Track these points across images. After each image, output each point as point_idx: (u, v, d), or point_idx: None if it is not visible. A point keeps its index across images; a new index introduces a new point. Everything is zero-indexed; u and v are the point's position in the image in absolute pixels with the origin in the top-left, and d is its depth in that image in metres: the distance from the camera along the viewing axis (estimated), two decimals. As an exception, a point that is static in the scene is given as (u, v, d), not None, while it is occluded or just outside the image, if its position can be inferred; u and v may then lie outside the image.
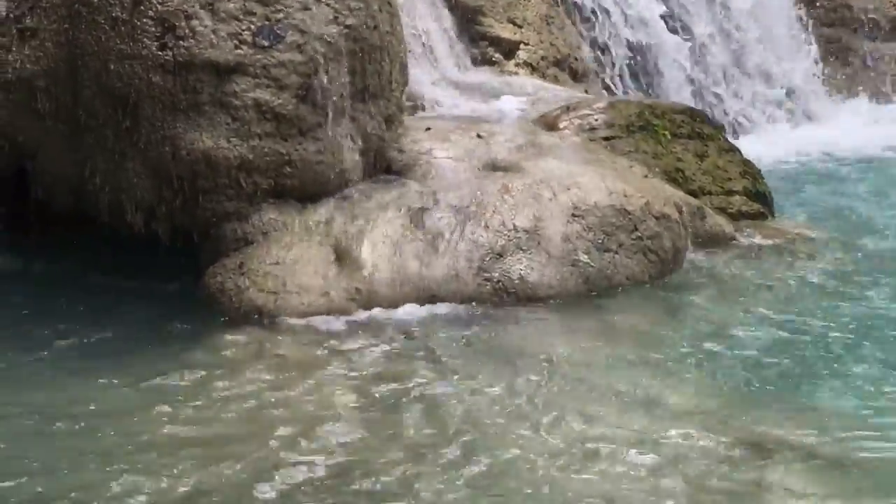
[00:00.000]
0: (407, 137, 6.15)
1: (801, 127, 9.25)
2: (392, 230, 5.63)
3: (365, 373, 4.92)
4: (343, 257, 5.55)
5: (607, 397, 4.66)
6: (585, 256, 5.65)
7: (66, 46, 5.64)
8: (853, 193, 7.80)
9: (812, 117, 9.35)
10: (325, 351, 5.13)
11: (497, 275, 5.54)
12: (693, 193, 6.43)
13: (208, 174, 5.58)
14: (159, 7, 5.49)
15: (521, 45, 8.06)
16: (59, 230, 6.11)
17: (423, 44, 7.58)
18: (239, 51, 5.52)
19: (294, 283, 5.47)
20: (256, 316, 5.40)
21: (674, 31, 9.01)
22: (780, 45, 9.62)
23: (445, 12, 8.01)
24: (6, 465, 4.09)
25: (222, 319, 5.42)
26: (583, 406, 4.58)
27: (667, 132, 6.71)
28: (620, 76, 8.60)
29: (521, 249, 5.59)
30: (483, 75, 7.83)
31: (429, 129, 6.31)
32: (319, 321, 5.36)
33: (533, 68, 7.98)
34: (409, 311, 5.45)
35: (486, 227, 5.61)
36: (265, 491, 3.88)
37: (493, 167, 5.97)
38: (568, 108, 6.86)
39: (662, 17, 8.94)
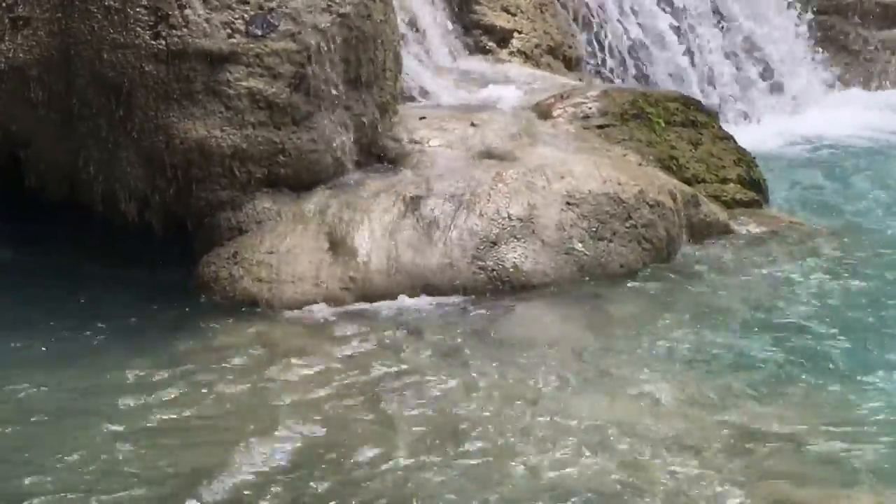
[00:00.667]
0: (401, 126, 6.18)
1: (796, 115, 9.27)
2: (386, 219, 5.64)
3: (356, 361, 4.93)
4: (337, 246, 5.55)
5: (597, 386, 4.68)
6: (580, 245, 5.66)
7: (59, 35, 5.65)
8: (847, 181, 7.82)
9: (806, 105, 9.36)
10: (317, 340, 5.18)
11: (491, 263, 5.55)
12: (687, 181, 6.43)
13: (202, 163, 5.61)
14: None
15: (515, 34, 8.06)
16: (52, 219, 6.08)
17: (417, 32, 7.59)
18: (232, 39, 5.55)
19: (288, 272, 5.50)
20: (250, 305, 5.44)
21: (671, 27, 9.04)
22: (774, 32, 9.64)
23: (439, 0, 8.02)
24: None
25: (216, 308, 5.44)
26: (572, 395, 4.61)
27: (661, 120, 6.73)
28: (614, 64, 8.60)
29: (516, 238, 5.60)
30: (477, 63, 7.82)
31: (423, 117, 6.33)
32: (313, 310, 5.40)
33: (527, 56, 7.98)
34: (404, 300, 5.46)
35: (481, 215, 5.62)
36: (237, 476, 3.90)
37: (488, 155, 6.00)
38: (562, 97, 6.87)
39: (658, 5, 8.98)
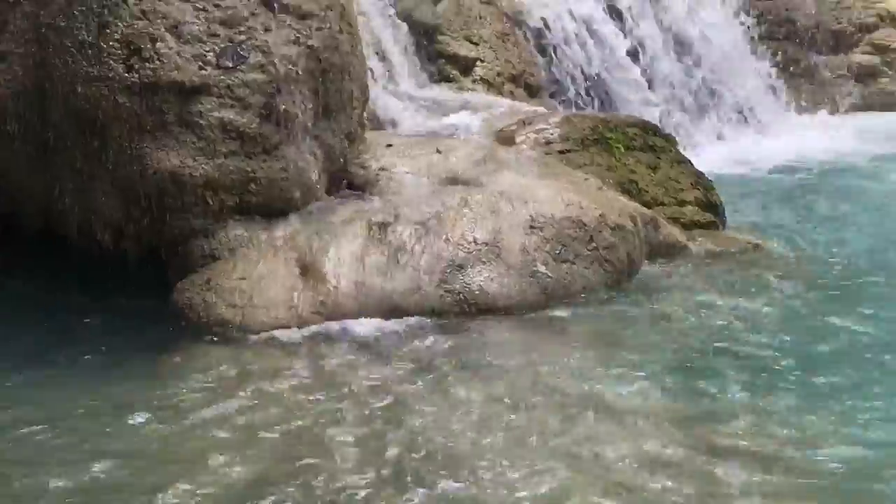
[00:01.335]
0: (368, 153, 6.19)
1: (754, 139, 9.32)
2: (355, 244, 5.63)
3: (324, 380, 4.96)
4: (308, 271, 5.56)
5: (558, 404, 4.67)
6: (543, 267, 5.66)
7: (35, 69, 5.65)
8: (803, 203, 7.88)
9: (764, 130, 9.41)
10: (288, 360, 5.16)
11: (458, 286, 5.53)
12: (647, 204, 6.45)
13: (175, 192, 5.58)
14: (125, 30, 5.52)
15: (478, 62, 8.13)
16: (27, 248, 6.04)
17: (383, 61, 7.60)
18: (203, 71, 5.56)
19: (260, 297, 5.48)
20: (224, 329, 5.41)
21: (631, 52, 9.10)
22: (734, 58, 9.71)
23: (404, 31, 8.03)
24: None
25: (191, 333, 5.41)
26: (532, 413, 4.60)
27: (620, 145, 6.74)
28: (576, 91, 8.62)
29: (482, 262, 5.60)
30: (441, 92, 7.85)
31: (390, 145, 6.35)
32: (285, 333, 5.36)
33: (490, 84, 8.01)
34: (372, 323, 5.43)
35: (447, 240, 5.62)
36: (203, 488, 3.94)
37: (453, 181, 6.01)
38: (524, 123, 6.89)
39: (618, 34, 9.03)
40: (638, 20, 9.33)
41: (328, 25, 5.87)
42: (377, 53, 7.54)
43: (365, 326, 5.41)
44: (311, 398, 4.77)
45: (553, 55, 8.69)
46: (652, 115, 8.45)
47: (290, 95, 5.73)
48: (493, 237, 5.66)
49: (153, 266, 5.71)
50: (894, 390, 4.72)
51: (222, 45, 5.59)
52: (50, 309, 5.73)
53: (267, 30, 5.66)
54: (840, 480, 3.95)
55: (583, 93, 8.70)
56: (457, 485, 4.01)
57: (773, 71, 10.17)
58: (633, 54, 9.16)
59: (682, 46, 9.46)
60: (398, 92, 7.57)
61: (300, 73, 5.76)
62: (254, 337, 5.36)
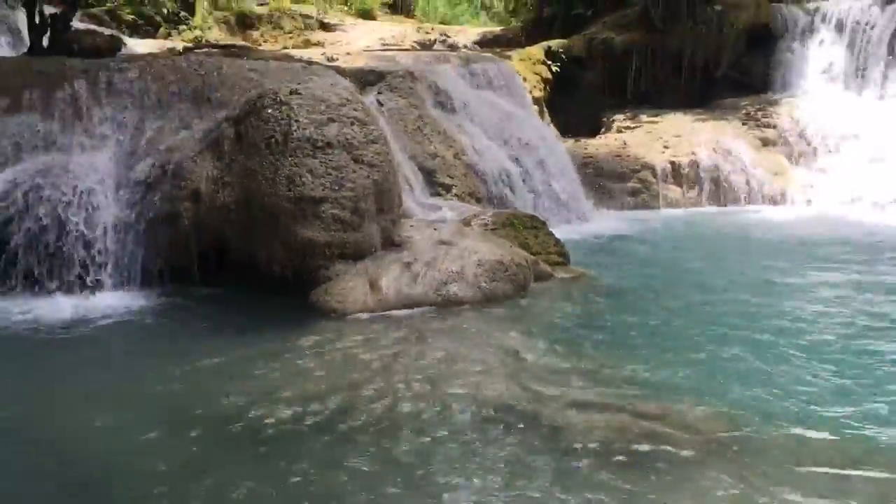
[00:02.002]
0: (401, 229, 6.08)
1: (580, 222, 8.90)
2: (395, 272, 5.59)
3: (381, 335, 4.89)
4: (373, 286, 5.53)
5: (490, 346, 4.50)
6: (484, 283, 5.65)
7: (244, 189, 5.67)
8: (614, 253, 7.58)
9: (583, 217, 9.04)
10: (364, 328, 5.07)
11: (444, 292, 5.52)
12: (533, 254, 6.37)
13: (310, 249, 5.58)
14: (287, 171, 5.55)
15: (453, 187, 7.89)
16: (222, 281, 5.71)
17: (408, 185, 7.45)
18: (324, 191, 5.57)
19: (350, 298, 5.45)
20: (334, 314, 5.36)
21: (521, 175, 8.71)
22: (566, 175, 9.12)
23: (417, 171, 7.87)
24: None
25: (317, 316, 5.30)
26: (471, 348, 4.45)
27: (521, 226, 6.67)
28: (499, 199, 8.31)
29: (455, 281, 5.58)
30: (436, 200, 7.66)
31: (412, 225, 6.28)
32: (362, 315, 5.31)
33: (459, 197, 7.81)
34: (403, 311, 5.38)
35: (439, 270, 5.61)
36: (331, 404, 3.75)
37: (442, 243, 5.95)
38: (475, 216, 6.84)
39: (513, 162, 8.61)
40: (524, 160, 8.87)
41: (383, 169, 5.83)
42: (406, 180, 7.43)
43: (400, 312, 5.36)
44: (376, 344, 4.74)
45: (487, 178, 8.29)
46: (531, 209, 8.14)
47: (365, 202, 5.68)
48: (461, 269, 5.63)
49: (299, 283, 5.57)
50: (651, 358, 4.37)
51: (333, 178, 5.58)
52: (244, 306, 5.50)
53: (354, 172, 5.68)
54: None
55: (500, 199, 8.30)
56: (459, 384, 3.91)
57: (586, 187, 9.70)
58: (525, 174, 8.65)
59: (544, 171, 8.93)
60: (414, 199, 7.43)
61: (370, 190, 5.72)
62: (349, 317, 5.29)
